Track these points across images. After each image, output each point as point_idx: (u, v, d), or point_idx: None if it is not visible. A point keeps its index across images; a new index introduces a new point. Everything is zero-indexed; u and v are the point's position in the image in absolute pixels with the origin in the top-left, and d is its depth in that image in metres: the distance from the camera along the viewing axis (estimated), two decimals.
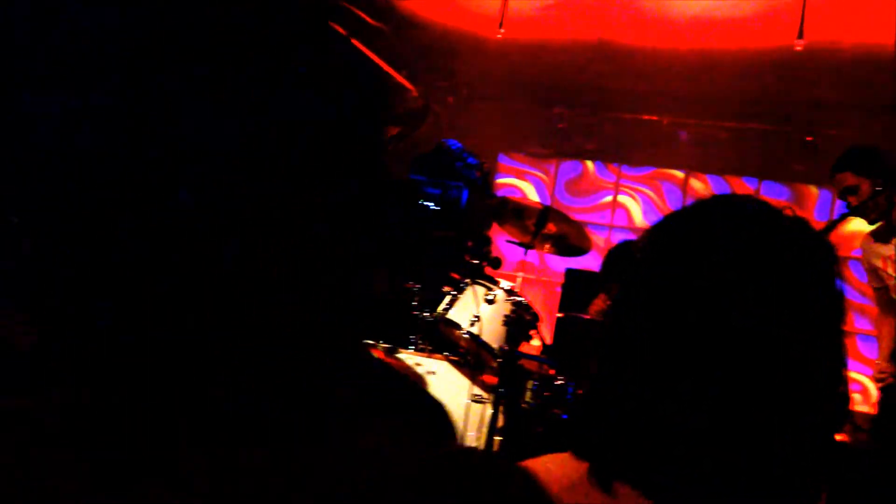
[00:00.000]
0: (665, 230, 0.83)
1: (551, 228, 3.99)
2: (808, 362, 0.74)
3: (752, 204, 0.81)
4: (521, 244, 4.06)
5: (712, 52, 6.33)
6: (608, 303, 3.92)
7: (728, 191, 7.48)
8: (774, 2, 5.52)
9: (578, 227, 4.15)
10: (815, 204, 7.28)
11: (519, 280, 3.93)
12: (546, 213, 3.94)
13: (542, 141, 7.69)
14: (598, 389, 0.82)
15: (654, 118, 7.38)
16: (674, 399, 0.74)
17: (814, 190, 7.30)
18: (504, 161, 7.96)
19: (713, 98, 7.01)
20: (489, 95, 7.41)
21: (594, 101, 7.36)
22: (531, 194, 7.81)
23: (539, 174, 7.90)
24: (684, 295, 0.75)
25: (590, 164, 7.88)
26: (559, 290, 6.92)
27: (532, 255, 4.06)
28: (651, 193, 7.74)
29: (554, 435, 3.70)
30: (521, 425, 3.72)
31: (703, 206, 0.82)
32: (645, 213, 7.74)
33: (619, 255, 4.15)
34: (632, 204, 7.79)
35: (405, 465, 0.64)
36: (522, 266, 7.33)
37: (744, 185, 7.46)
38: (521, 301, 3.67)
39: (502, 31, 5.92)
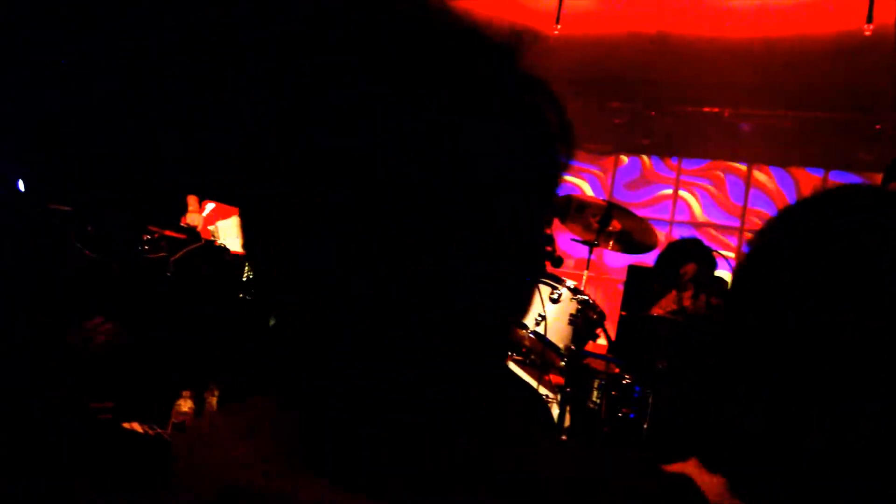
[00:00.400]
0: (784, 227, 0.79)
1: (616, 225, 3.93)
2: None
3: (870, 196, 0.76)
4: (585, 242, 4.01)
5: (775, 41, 6.16)
6: (675, 301, 3.85)
7: (791, 182, 7.29)
8: None
9: (643, 222, 4.08)
10: None
11: (584, 278, 3.88)
12: (610, 209, 3.89)
13: (599, 137, 7.60)
14: (720, 395, 0.78)
15: (715, 110, 7.23)
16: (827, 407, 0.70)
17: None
18: None
19: (776, 88, 6.83)
20: None
21: (652, 95, 7.25)
22: (588, 191, 7.73)
23: (596, 171, 7.82)
24: (812, 294, 0.71)
25: (647, 159, 7.77)
26: (620, 287, 6.84)
27: (590, 251, 4.00)
28: (712, 188, 7.59)
29: (622, 434, 3.64)
30: (588, 425, 3.68)
31: (826, 199, 0.77)
32: (706, 207, 7.59)
33: (679, 252, 4.06)
34: (692, 199, 7.65)
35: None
36: (582, 264, 7.30)
37: (809, 176, 7.26)
38: (586, 300, 3.63)
39: (559, 27, 5.87)
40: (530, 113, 0.59)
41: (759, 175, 7.44)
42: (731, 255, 6.73)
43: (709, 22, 6.09)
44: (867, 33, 5.25)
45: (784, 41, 6.15)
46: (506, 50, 0.59)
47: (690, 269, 3.73)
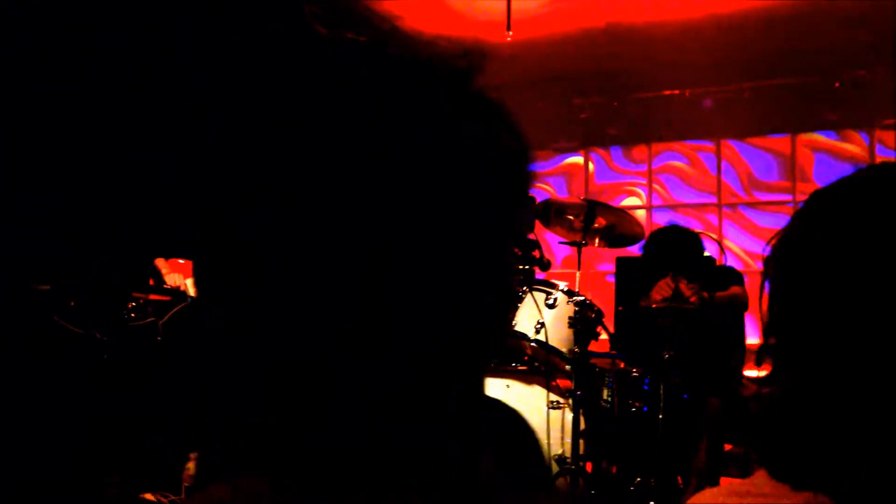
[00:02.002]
0: (825, 209, 0.75)
1: (600, 221, 3.93)
2: None
3: None
4: (572, 243, 3.99)
5: (721, 16, 6.23)
6: (672, 286, 3.84)
7: (761, 153, 7.34)
8: None
9: (626, 215, 4.08)
10: (862, 148, 7.10)
11: (577, 278, 3.86)
12: (592, 207, 3.88)
13: (565, 134, 7.63)
14: (780, 398, 0.74)
15: (676, 92, 7.29)
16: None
17: (854, 134, 7.13)
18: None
19: (730, 62, 6.90)
20: (506, 98, 7.36)
21: (612, 86, 7.30)
22: (559, 192, 7.75)
23: (561, 173, 7.84)
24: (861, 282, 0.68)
25: (618, 148, 7.80)
26: (610, 279, 6.84)
27: (579, 251, 3.98)
28: (685, 167, 7.64)
29: (639, 430, 3.62)
30: (603, 424, 3.65)
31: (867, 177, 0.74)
32: (681, 188, 7.63)
33: (666, 240, 4.06)
34: (667, 181, 7.69)
35: None
36: (567, 263, 7.31)
37: (777, 143, 7.33)
38: (583, 300, 3.61)
39: (510, 33, 5.89)
40: (488, 135, 0.59)
41: (727, 148, 7.49)
42: (713, 235, 6.77)
43: (655, 7, 6.14)
44: None
45: (731, 15, 6.22)
46: (459, 73, 0.59)
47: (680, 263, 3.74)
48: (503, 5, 5.86)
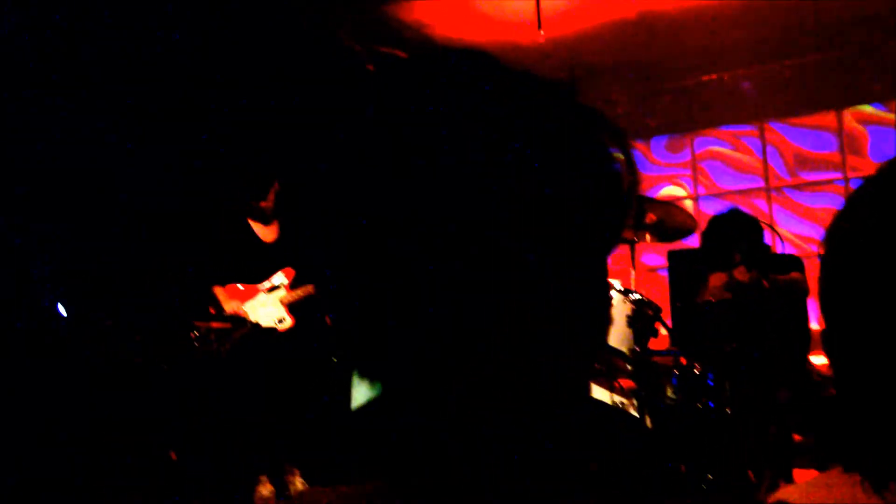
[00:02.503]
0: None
1: (650, 217, 3.89)
2: None
3: None
4: (625, 241, 3.96)
5: None
6: (726, 280, 3.78)
7: (808, 131, 7.19)
8: None
9: (675, 208, 4.04)
10: None
11: (632, 277, 3.83)
12: (641, 202, 3.85)
13: None
14: (850, 391, 0.74)
15: (713, 77, 7.18)
16: None
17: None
18: None
19: (767, 40, 6.76)
20: None
21: (648, 76, 7.21)
22: None
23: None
24: None
25: (659, 139, 7.71)
26: (661, 273, 6.77)
27: (632, 250, 3.95)
28: (729, 152, 7.51)
29: (706, 427, 3.57)
30: (669, 423, 3.62)
31: None
32: (727, 174, 7.51)
33: (724, 228, 4.00)
34: (711, 169, 7.57)
35: None
36: (615, 259, 7.23)
37: (823, 119, 7.16)
38: (640, 298, 3.58)
39: (542, 32, 5.86)
40: (598, 148, 0.60)
41: (772, 130, 7.35)
42: (765, 222, 6.64)
43: None
44: None
45: None
46: (564, 90, 0.60)
47: (741, 252, 3.68)
48: (532, 5, 5.84)
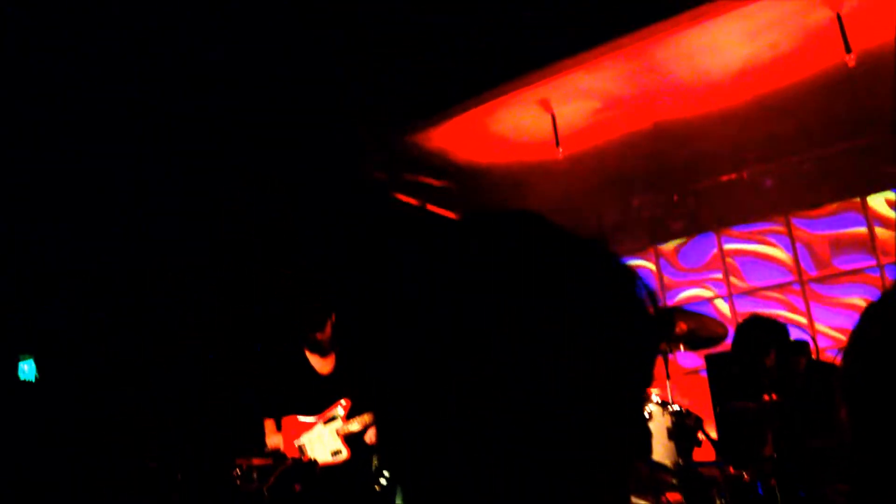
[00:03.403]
0: None
1: (681, 327, 3.90)
2: None
3: None
4: (659, 352, 3.96)
5: (766, 96, 6.26)
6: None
7: (834, 220, 7.19)
8: (809, 28, 5.47)
9: (706, 317, 4.05)
10: None
11: (668, 388, 3.81)
12: (671, 314, 3.88)
13: (633, 235, 7.63)
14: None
15: (734, 177, 7.26)
16: None
17: None
18: None
19: (783, 136, 6.87)
20: (564, 209, 7.47)
21: (668, 181, 7.33)
22: None
23: (644, 264, 7.80)
24: None
25: (685, 240, 7.76)
26: (703, 373, 6.67)
27: (666, 361, 3.94)
28: (760, 249, 7.51)
29: None
30: None
31: None
32: (757, 270, 7.48)
33: (751, 336, 3.99)
34: (742, 266, 7.56)
35: None
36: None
37: (849, 207, 7.17)
38: (678, 410, 3.56)
39: (560, 149, 6.05)
40: (632, 304, 0.65)
41: (797, 224, 7.36)
42: (801, 318, 6.57)
43: (698, 99, 6.22)
44: (851, 64, 5.34)
45: (775, 93, 6.24)
46: (598, 246, 0.67)
47: (771, 358, 3.67)
48: (549, 124, 6.06)
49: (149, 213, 4.50)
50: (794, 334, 4.16)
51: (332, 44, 4.69)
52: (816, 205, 7.24)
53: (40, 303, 4.17)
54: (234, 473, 4.20)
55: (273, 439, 4.35)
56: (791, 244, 7.32)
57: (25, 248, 4.05)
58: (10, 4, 3.63)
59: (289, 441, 4.36)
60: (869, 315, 0.83)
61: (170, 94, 4.27)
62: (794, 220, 7.33)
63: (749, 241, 7.53)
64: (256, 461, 4.25)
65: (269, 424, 4.37)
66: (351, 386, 4.38)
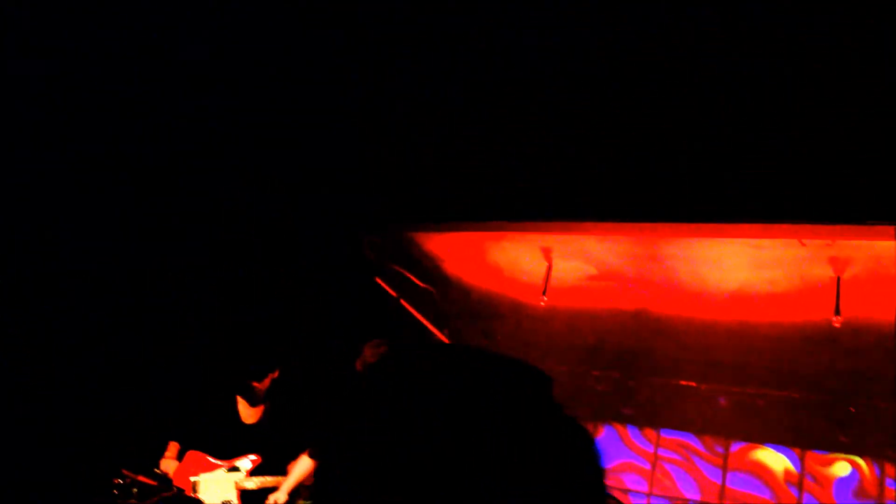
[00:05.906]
0: None
1: None
2: None
3: None
4: None
5: (749, 325, 6.44)
6: None
7: (765, 461, 7.26)
8: (809, 281, 5.69)
9: None
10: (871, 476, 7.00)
11: None
12: None
13: (580, 402, 7.67)
14: None
15: (693, 384, 7.38)
16: None
17: (861, 462, 7.06)
18: None
19: (750, 366, 7.05)
20: (528, 357, 7.48)
21: (632, 364, 7.43)
22: None
23: None
24: None
25: (625, 428, 7.79)
26: None
27: None
28: (689, 462, 7.55)
29: None
30: None
31: None
32: (684, 480, 7.50)
33: None
34: (672, 470, 7.57)
35: None
36: None
37: (785, 458, 7.26)
38: None
39: (545, 298, 6.16)
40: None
41: (735, 454, 7.43)
42: None
43: (687, 303, 6.39)
44: (836, 325, 5.54)
45: (758, 326, 6.43)
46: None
47: None
48: (543, 271, 6.18)
49: (149, 213, 4.51)
50: None
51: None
52: (758, 440, 7.33)
53: (40, 303, 4.12)
54: (115, 482, 4.07)
55: (168, 463, 4.23)
56: (722, 473, 7.36)
57: (25, 248, 4.03)
58: (10, 4, 3.71)
59: (183, 472, 4.23)
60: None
61: (169, 93, 4.32)
62: (717, 447, 7.40)
63: (686, 449, 7.57)
64: (142, 478, 4.12)
65: (171, 447, 4.26)
66: (268, 444, 4.29)
